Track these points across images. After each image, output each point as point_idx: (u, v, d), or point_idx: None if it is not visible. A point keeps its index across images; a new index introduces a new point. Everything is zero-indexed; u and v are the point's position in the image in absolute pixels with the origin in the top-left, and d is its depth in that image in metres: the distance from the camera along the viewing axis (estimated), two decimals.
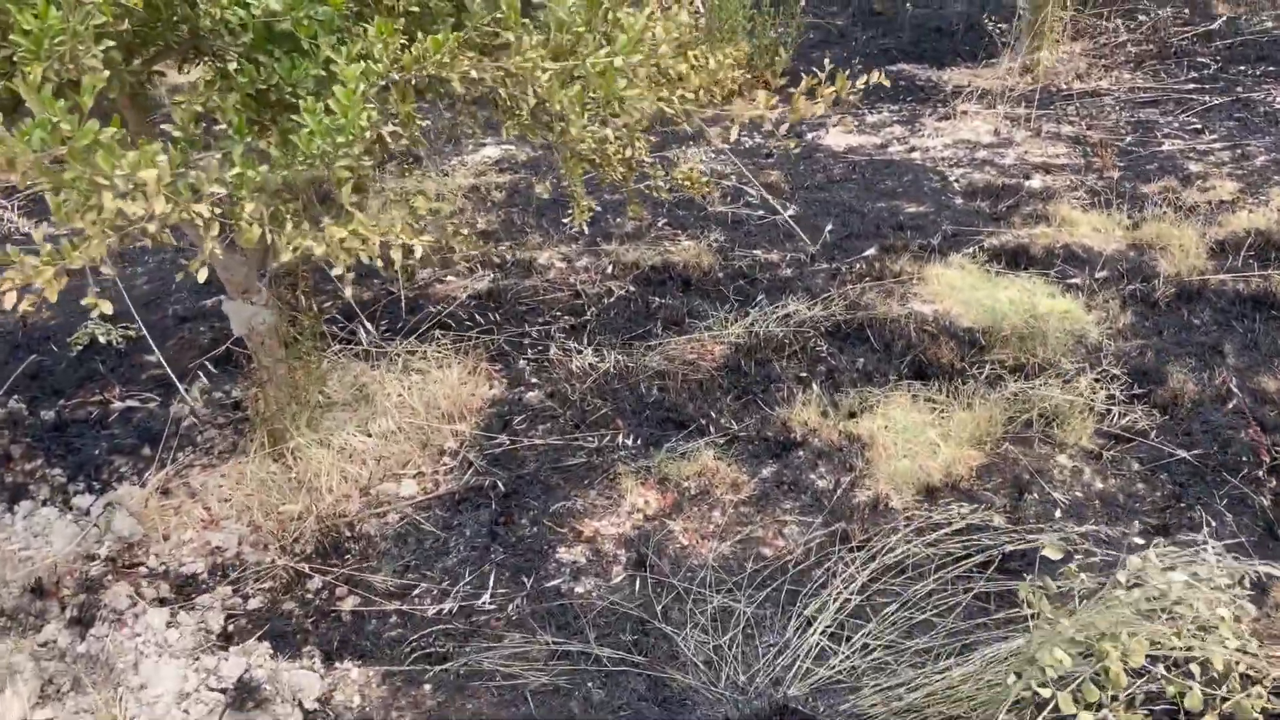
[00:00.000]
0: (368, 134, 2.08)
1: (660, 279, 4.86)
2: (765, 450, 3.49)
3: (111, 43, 2.08)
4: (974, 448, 3.43)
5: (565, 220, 5.40)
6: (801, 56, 8.05)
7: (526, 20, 2.32)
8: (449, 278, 5.14)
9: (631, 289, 4.76)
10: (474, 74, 2.32)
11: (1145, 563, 2.12)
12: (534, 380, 4.02)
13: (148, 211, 1.98)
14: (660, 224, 5.36)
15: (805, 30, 8.07)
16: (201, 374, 4.21)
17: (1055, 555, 2.19)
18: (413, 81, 2.29)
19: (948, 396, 3.66)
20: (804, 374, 3.91)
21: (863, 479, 3.33)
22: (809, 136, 6.97)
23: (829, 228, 5.30)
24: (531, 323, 4.49)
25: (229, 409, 4.05)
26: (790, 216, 5.54)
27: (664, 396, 3.80)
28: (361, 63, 2.14)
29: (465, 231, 3.68)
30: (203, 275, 2.20)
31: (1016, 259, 4.77)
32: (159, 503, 3.48)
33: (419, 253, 2.32)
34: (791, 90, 2.83)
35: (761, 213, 5.62)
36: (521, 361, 4.15)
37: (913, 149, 6.55)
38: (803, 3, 7.99)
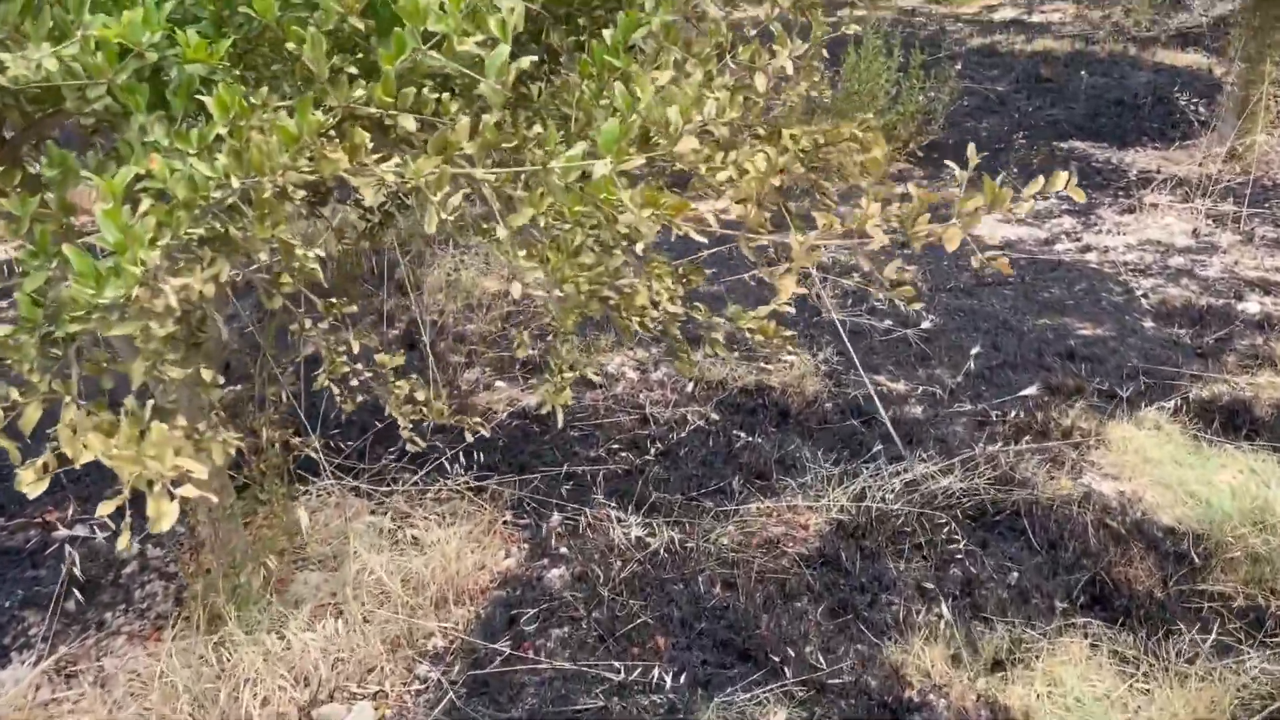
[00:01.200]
0: (140, 288, 1.17)
1: (750, 406, 3.84)
2: (864, 715, 2.40)
3: None
4: None
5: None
6: (954, 125, 6.92)
7: (445, 96, 1.38)
8: (498, 383, 4.26)
9: (713, 418, 3.75)
10: (390, 178, 1.39)
11: None
12: (562, 550, 3.04)
13: None
14: None
15: (960, 95, 6.95)
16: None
17: None
18: (276, 188, 1.38)
19: (1146, 652, 2.48)
20: (929, 583, 2.80)
21: None
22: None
23: (975, 350, 4.17)
24: (579, 458, 3.53)
25: (188, 550, 3.23)
26: (924, 331, 4.42)
27: (729, 601, 2.76)
28: (151, 164, 1.23)
29: (417, 394, 2.75)
30: None
31: (1234, 420, 3.53)
32: (49, 694, 2.65)
33: (173, 515, 1.39)
34: (918, 168, 1.81)
35: (889, 323, 4.53)
36: (554, 517, 3.19)
37: (1087, 248, 5.32)
38: (959, 65, 6.90)
